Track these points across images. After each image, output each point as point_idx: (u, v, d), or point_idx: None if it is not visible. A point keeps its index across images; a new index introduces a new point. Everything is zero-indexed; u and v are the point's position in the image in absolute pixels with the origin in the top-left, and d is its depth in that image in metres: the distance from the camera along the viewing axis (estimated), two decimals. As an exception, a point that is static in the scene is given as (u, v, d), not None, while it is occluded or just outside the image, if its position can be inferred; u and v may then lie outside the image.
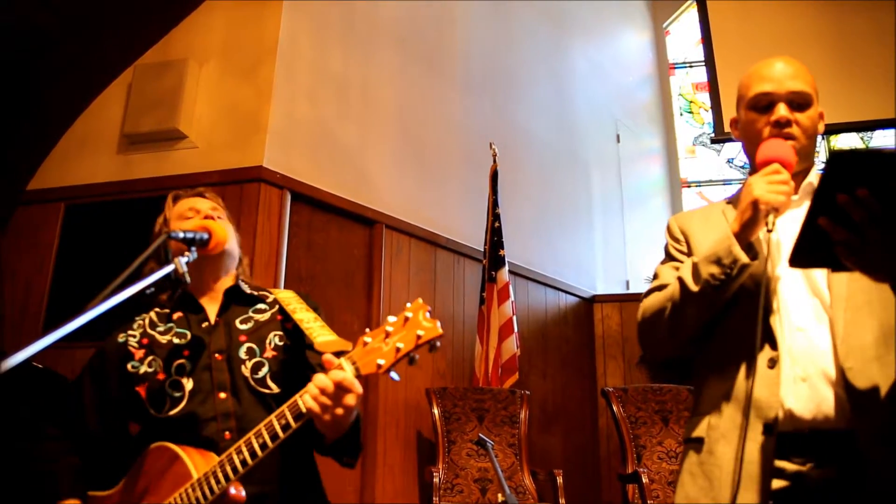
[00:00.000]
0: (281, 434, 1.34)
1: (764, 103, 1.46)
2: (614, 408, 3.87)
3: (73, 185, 3.58)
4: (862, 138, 6.92)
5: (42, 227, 3.57)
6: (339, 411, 1.30)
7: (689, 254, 1.52)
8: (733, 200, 1.56)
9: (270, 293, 1.74)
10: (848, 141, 6.96)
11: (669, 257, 1.58)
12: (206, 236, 1.56)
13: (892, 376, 1.27)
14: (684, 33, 7.82)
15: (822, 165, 1.46)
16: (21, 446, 2.33)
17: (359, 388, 1.29)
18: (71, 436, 1.66)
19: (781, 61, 1.49)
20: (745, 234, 1.34)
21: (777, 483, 1.28)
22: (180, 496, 1.43)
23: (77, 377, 1.71)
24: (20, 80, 3.49)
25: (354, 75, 3.89)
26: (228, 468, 1.38)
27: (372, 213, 3.79)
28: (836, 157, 1.08)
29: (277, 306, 1.69)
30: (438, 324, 1.20)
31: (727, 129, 1.57)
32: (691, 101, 7.73)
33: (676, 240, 1.57)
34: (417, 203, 4.16)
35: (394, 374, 1.24)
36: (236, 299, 1.70)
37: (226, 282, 1.72)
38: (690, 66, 7.78)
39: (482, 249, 4.24)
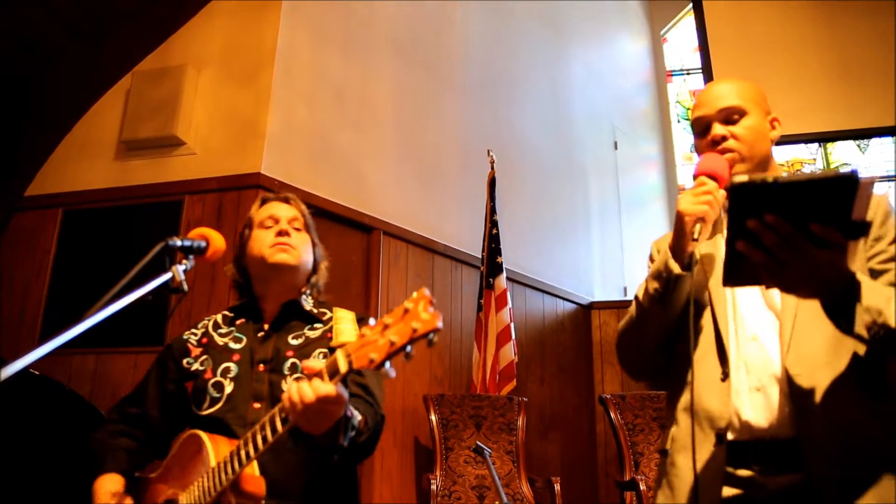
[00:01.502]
0: (280, 427, 1.33)
1: (701, 127, 1.49)
2: (612, 415, 3.87)
3: (71, 191, 3.57)
4: (859, 146, 6.94)
5: (40, 232, 3.56)
6: (322, 425, 1.30)
7: None
8: None
9: (331, 311, 1.76)
10: (845, 148, 6.98)
11: None
12: (203, 244, 1.56)
13: (842, 383, 1.27)
14: (681, 40, 7.86)
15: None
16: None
17: (331, 391, 1.24)
18: (133, 420, 1.72)
19: (717, 83, 1.52)
20: (678, 247, 1.37)
21: (734, 491, 1.30)
22: (198, 484, 1.47)
23: (150, 366, 1.80)
24: (19, 86, 3.49)
25: (353, 82, 3.90)
26: (241, 456, 1.38)
27: (370, 219, 3.79)
28: (734, 188, 1.10)
29: (330, 324, 1.72)
30: (439, 316, 1.12)
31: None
32: (688, 108, 7.75)
33: (653, 261, 1.61)
34: (415, 210, 4.16)
35: (389, 370, 1.16)
36: (295, 314, 1.73)
37: (290, 295, 1.75)
38: (688, 73, 7.82)
39: (480, 256, 4.24)
